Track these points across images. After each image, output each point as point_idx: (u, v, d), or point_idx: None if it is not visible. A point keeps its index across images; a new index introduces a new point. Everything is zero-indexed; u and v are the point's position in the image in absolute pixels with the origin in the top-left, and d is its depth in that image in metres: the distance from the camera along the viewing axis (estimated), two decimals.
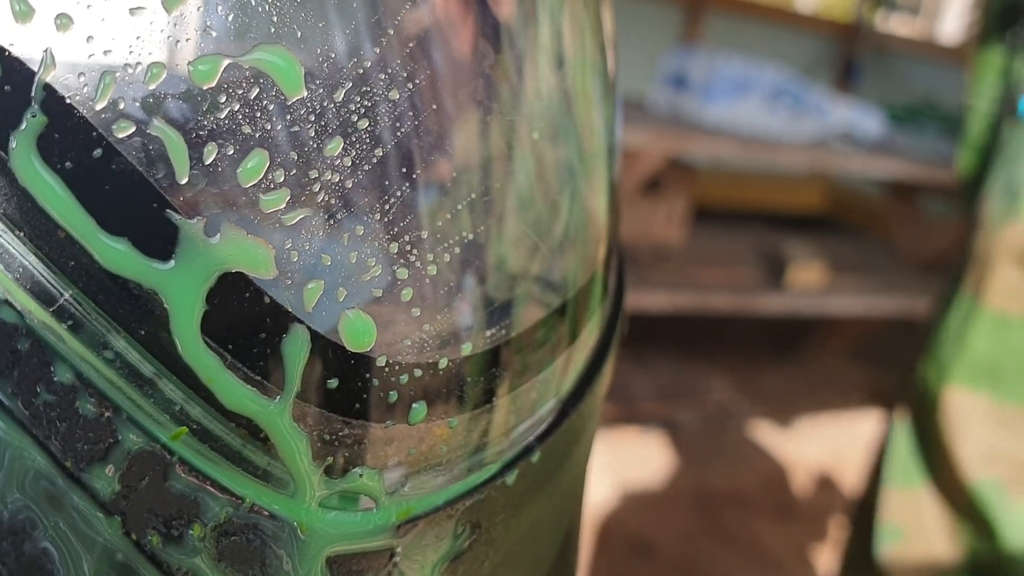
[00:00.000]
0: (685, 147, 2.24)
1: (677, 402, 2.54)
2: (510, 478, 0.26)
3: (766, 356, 3.04)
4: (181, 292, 0.19)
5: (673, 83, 2.48)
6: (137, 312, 0.19)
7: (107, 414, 0.19)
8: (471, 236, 0.24)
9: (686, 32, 3.30)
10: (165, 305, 0.19)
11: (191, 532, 0.20)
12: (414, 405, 0.23)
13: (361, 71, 0.21)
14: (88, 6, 0.18)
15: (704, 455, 2.35)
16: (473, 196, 0.24)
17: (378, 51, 0.22)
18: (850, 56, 3.61)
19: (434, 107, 0.23)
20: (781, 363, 3.01)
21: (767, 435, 2.52)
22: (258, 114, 0.20)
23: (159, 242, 0.19)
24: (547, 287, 0.27)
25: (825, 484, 2.34)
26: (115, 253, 0.19)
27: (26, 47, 0.18)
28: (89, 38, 0.19)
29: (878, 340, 3.18)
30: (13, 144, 0.18)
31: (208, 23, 0.20)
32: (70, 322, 0.19)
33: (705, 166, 2.82)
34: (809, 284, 2.49)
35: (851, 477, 2.36)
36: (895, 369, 2.93)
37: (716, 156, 2.59)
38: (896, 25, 4.50)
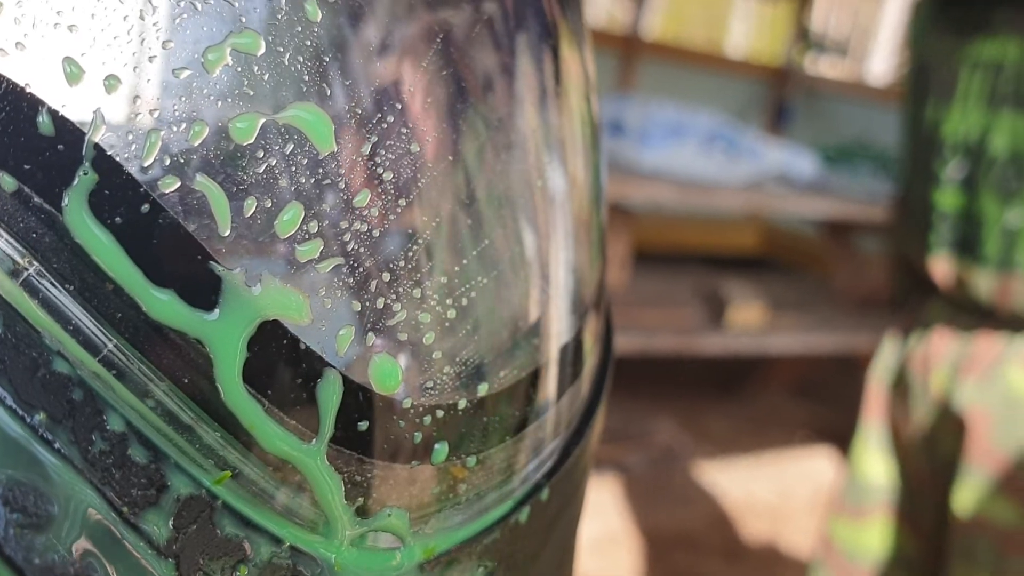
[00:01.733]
0: (624, 192, 2.27)
1: (625, 445, 2.56)
2: (523, 516, 0.27)
3: (710, 396, 3.07)
4: (224, 341, 0.20)
5: (610, 129, 2.52)
6: (181, 360, 0.20)
7: (156, 461, 0.20)
8: (484, 282, 0.25)
9: (621, 80, 3.36)
10: (209, 353, 0.20)
11: (239, 574, 0.21)
12: (436, 446, 0.24)
13: (384, 126, 0.22)
14: (135, 68, 0.19)
15: (652, 497, 2.37)
16: (486, 243, 0.25)
17: (399, 107, 0.23)
18: (781, 99, 3.71)
19: (450, 158, 0.24)
20: (725, 403, 3.05)
21: (714, 475, 2.55)
22: (293, 168, 0.21)
23: (203, 293, 0.20)
24: (551, 329, 0.28)
25: (773, 522, 2.37)
26: (162, 304, 0.20)
27: (77, 108, 0.19)
28: (136, 98, 0.19)
29: (818, 377, 3.24)
30: (66, 201, 0.19)
31: (246, 83, 0.20)
32: (115, 371, 0.20)
33: (644, 210, 2.86)
34: (749, 324, 2.53)
35: (798, 514, 2.39)
36: (836, 406, 2.99)
37: (654, 200, 2.63)
38: (825, 67, 4.63)
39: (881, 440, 1.24)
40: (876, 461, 1.23)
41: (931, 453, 1.14)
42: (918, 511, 1.18)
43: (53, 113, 0.19)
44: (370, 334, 0.22)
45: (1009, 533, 1.01)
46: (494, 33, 0.25)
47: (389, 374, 0.23)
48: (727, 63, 3.71)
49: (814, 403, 3.14)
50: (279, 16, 0.21)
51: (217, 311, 0.20)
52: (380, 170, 0.22)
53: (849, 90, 3.77)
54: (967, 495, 1.05)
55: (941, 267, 1.12)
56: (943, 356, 1.13)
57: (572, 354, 0.29)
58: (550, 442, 0.29)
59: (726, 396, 3.10)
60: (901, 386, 1.21)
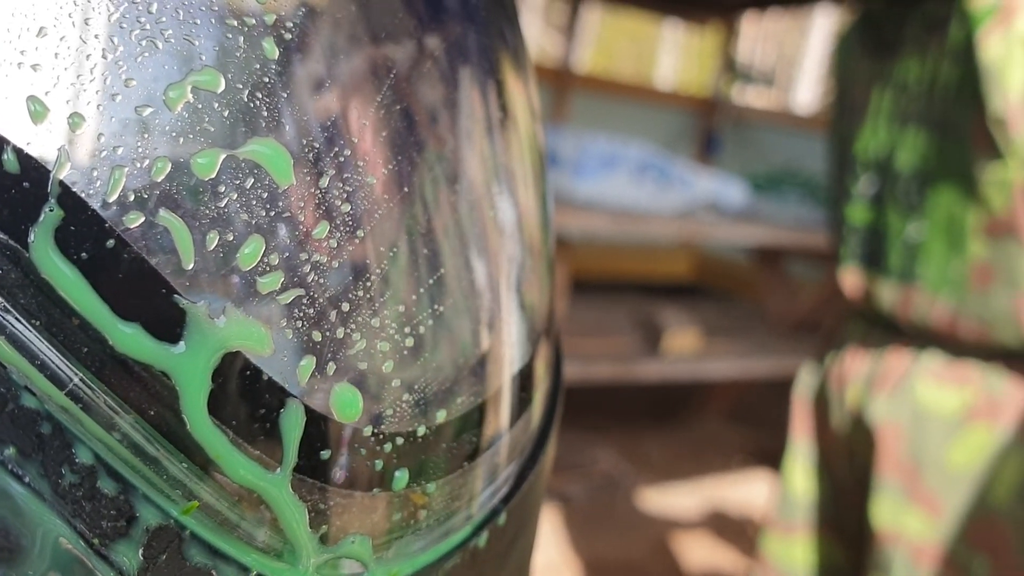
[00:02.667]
0: (560, 222, 2.29)
1: (565, 475, 2.57)
2: (481, 541, 0.27)
3: (648, 423, 3.10)
4: (190, 373, 0.20)
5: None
6: (146, 393, 0.20)
7: (125, 492, 0.20)
8: (440, 311, 0.25)
9: (554, 112, 3.40)
10: (175, 385, 0.20)
11: None
12: (396, 473, 0.25)
13: (340, 160, 0.23)
14: (98, 106, 0.20)
15: (594, 526, 2.37)
16: (441, 272, 0.25)
17: (354, 141, 0.23)
18: (710, 129, 3.77)
19: (404, 190, 0.24)
20: (663, 429, 3.07)
21: (655, 501, 2.56)
22: (253, 202, 0.21)
23: (168, 326, 0.20)
24: (505, 357, 0.29)
25: (715, 546, 2.39)
26: (128, 338, 0.20)
27: (41, 145, 0.19)
28: (99, 135, 0.20)
29: (754, 401, 3.28)
30: (32, 237, 0.19)
31: (207, 119, 0.21)
32: (81, 405, 0.20)
33: (579, 240, 2.89)
34: (685, 350, 2.56)
35: (738, 537, 2.41)
36: (772, 429, 3.03)
37: (589, 229, 2.65)
38: (752, 97, 4.72)
39: (807, 456, 1.27)
40: (804, 477, 1.26)
41: (851, 466, 1.17)
42: (844, 522, 1.21)
43: (18, 151, 0.19)
44: (330, 364, 0.23)
45: (921, 544, 1.04)
46: (444, 68, 0.26)
47: (350, 403, 0.23)
48: (656, 95, 3.77)
49: (750, 427, 3.18)
50: (238, 54, 0.21)
51: (183, 343, 0.20)
52: (337, 202, 0.23)
53: (775, 119, 3.85)
54: (881, 508, 1.08)
55: (851, 279, 1.16)
56: (857, 372, 1.16)
57: (525, 381, 0.30)
58: (505, 467, 0.29)
59: (664, 423, 3.13)
60: (821, 402, 1.24)
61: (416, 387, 0.25)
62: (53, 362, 0.20)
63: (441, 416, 0.26)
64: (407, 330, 0.24)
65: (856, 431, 1.16)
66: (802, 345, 2.67)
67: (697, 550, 2.35)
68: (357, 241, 0.23)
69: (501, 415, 0.28)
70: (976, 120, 0.95)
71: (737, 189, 2.74)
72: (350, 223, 0.23)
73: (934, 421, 1.05)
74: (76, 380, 0.20)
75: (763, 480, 2.74)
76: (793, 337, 2.83)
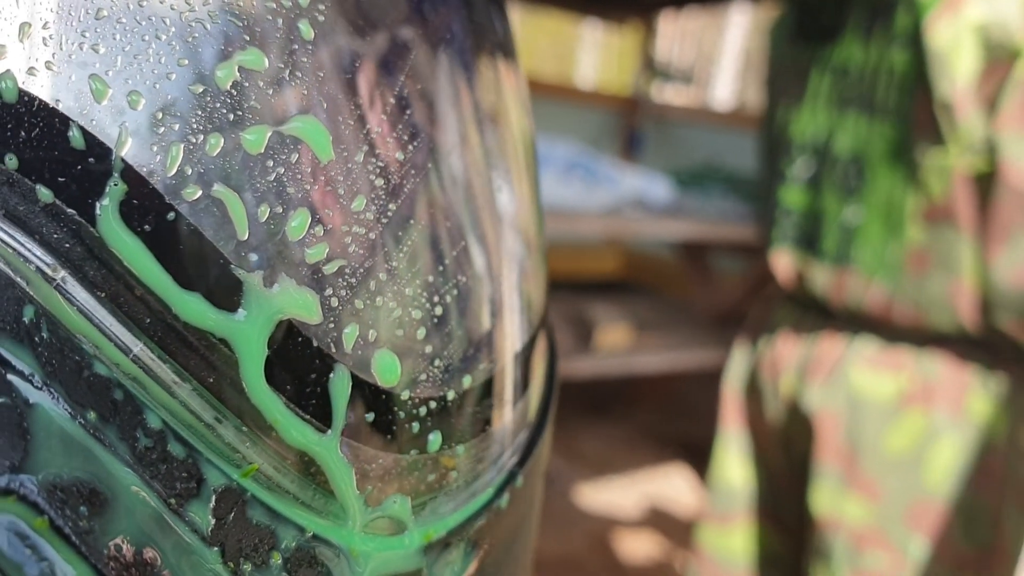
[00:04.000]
0: None
1: None
2: (503, 502, 0.29)
3: (582, 419, 3.13)
4: (248, 340, 0.21)
5: None
6: (205, 360, 0.21)
7: (192, 456, 0.21)
8: (464, 281, 0.27)
9: None
10: (234, 352, 0.21)
11: (273, 560, 0.22)
12: (430, 436, 0.26)
13: (373, 137, 0.24)
14: (155, 84, 0.20)
15: None
16: (463, 246, 0.27)
17: (385, 119, 0.24)
18: (632, 127, 3.82)
19: (432, 168, 0.26)
20: (598, 424, 3.10)
21: (592, 496, 2.59)
22: (298, 176, 0.22)
23: (226, 295, 0.21)
24: (519, 328, 0.30)
25: (652, 538, 2.42)
26: (192, 307, 0.21)
27: (104, 122, 0.20)
28: (157, 113, 0.20)
29: (685, 394, 3.34)
30: (99, 211, 0.20)
31: (253, 97, 0.22)
32: (145, 372, 0.21)
33: None
34: (616, 345, 2.59)
35: (675, 529, 2.45)
36: (703, 420, 3.08)
37: None
38: (672, 95, 4.79)
39: (740, 445, 1.28)
40: (738, 466, 1.28)
41: (788, 454, 1.19)
42: (782, 510, 1.23)
43: (82, 128, 0.20)
44: (371, 331, 0.24)
45: (860, 530, 1.06)
46: (460, 56, 0.27)
47: (390, 368, 0.24)
48: (579, 94, 3.81)
49: (682, 419, 3.23)
50: (278, 35, 0.22)
51: (242, 311, 0.21)
52: (372, 177, 0.24)
53: (696, 116, 3.91)
54: (820, 495, 1.10)
55: (783, 262, 1.17)
56: (789, 360, 1.18)
57: (531, 355, 0.31)
58: (518, 434, 0.30)
59: (598, 417, 3.16)
60: (754, 391, 1.25)
61: (445, 354, 0.26)
62: (118, 332, 0.20)
63: (467, 382, 0.27)
64: (436, 299, 0.26)
65: (791, 419, 1.17)
66: (729, 336, 2.72)
67: (634, 543, 2.38)
68: (391, 214, 0.24)
69: (515, 384, 0.30)
70: (920, 105, 0.96)
71: (662, 186, 2.78)
72: (384, 196, 0.24)
73: (869, 407, 1.07)
74: (136, 350, 0.21)
75: (696, 471, 2.79)
76: (720, 329, 2.89)
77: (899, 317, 1.04)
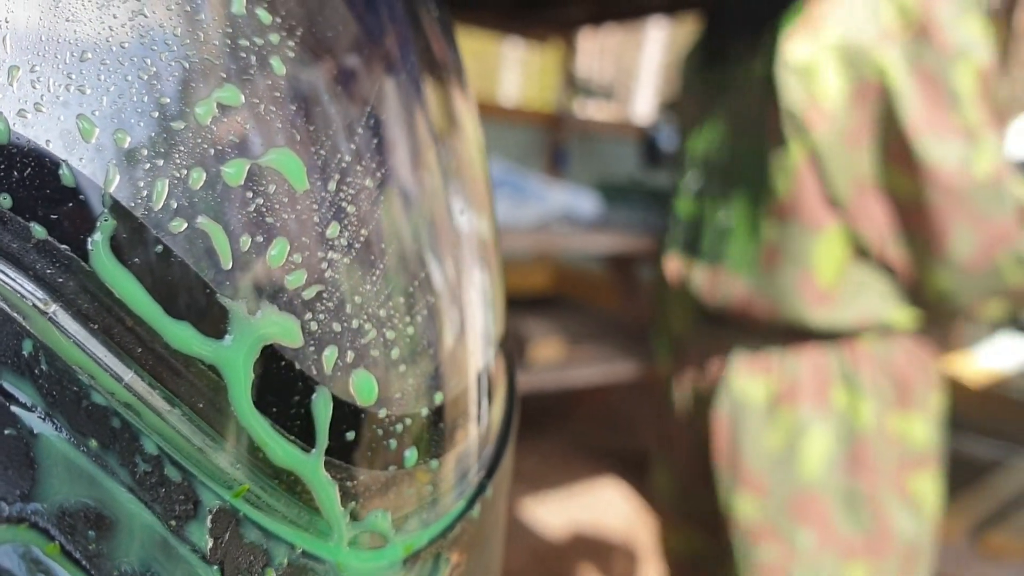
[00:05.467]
0: None
1: None
2: (475, 512, 0.30)
3: (519, 434, 3.14)
4: (236, 365, 0.22)
5: None
6: (194, 386, 0.22)
7: (187, 479, 0.22)
8: (433, 301, 0.28)
9: None
10: (223, 377, 0.22)
11: None
12: (406, 452, 0.27)
13: (343, 166, 0.25)
14: (140, 122, 0.21)
15: None
16: (433, 266, 0.28)
17: (353, 147, 0.25)
18: (557, 143, 3.85)
19: (399, 191, 0.27)
20: (534, 439, 3.12)
21: (530, 511, 2.60)
22: (276, 206, 0.23)
23: (212, 323, 0.22)
24: (484, 345, 0.31)
25: (590, 551, 2.44)
26: (181, 336, 0.21)
27: (92, 161, 0.21)
28: (142, 149, 0.21)
29: (617, 405, 3.37)
30: (91, 246, 0.21)
31: (231, 132, 0.23)
32: (139, 400, 0.21)
33: None
34: (550, 359, 2.61)
35: (613, 540, 2.47)
36: (638, 431, 3.11)
37: None
38: (594, 111, 4.84)
39: (660, 450, 1.36)
40: (660, 471, 1.36)
41: (699, 458, 1.25)
42: (702, 511, 1.28)
43: (72, 167, 0.20)
44: (349, 352, 0.25)
45: (752, 525, 1.12)
46: (419, 82, 0.29)
47: (367, 387, 0.25)
48: (503, 111, 3.83)
49: (615, 431, 3.26)
50: (251, 71, 0.23)
51: (229, 338, 0.22)
52: (344, 204, 0.25)
53: (618, 130, 3.97)
54: (721, 497, 1.17)
55: (672, 266, 1.25)
56: (686, 365, 1.26)
57: (499, 366, 0.32)
58: (486, 446, 0.32)
59: (533, 432, 3.18)
60: (668, 396, 1.33)
61: (417, 372, 0.27)
62: (111, 361, 0.21)
63: (438, 399, 0.28)
64: (407, 319, 0.27)
65: (693, 426, 1.25)
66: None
67: (575, 556, 2.40)
68: (363, 239, 0.25)
69: (481, 399, 0.31)
70: (772, 112, 1.03)
71: (588, 200, 2.81)
72: (355, 224, 0.25)
73: (748, 410, 1.14)
74: (128, 378, 0.21)
75: (630, 483, 2.82)
76: (649, 339, 2.92)
77: (757, 311, 1.11)
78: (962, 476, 2.29)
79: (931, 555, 1.13)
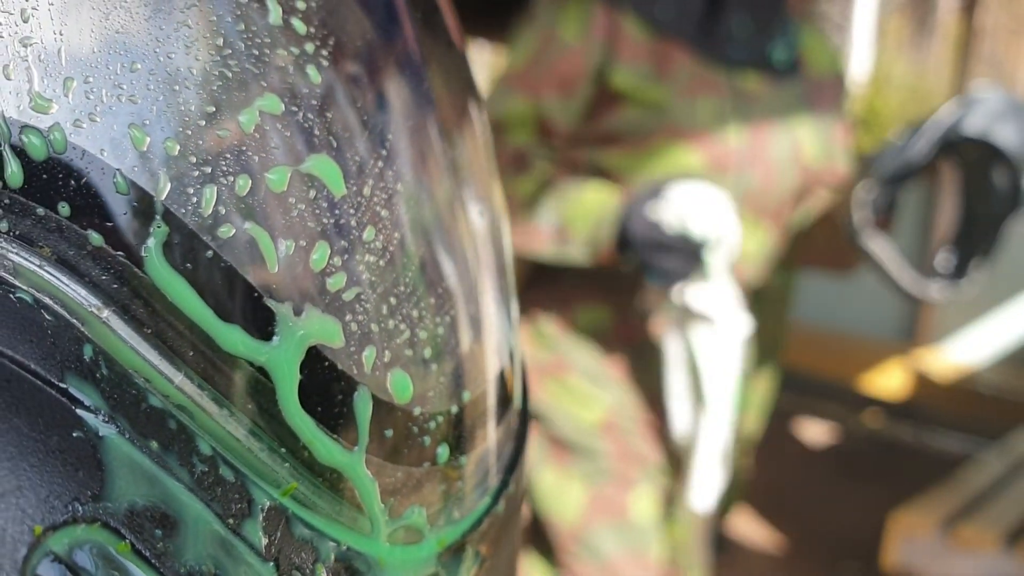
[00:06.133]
0: None
1: None
2: (500, 507, 0.30)
3: None
4: (284, 366, 0.23)
5: None
6: (244, 387, 0.22)
7: (240, 478, 0.22)
8: (460, 303, 0.28)
9: None
10: (271, 378, 0.23)
11: (318, 572, 0.23)
12: (439, 449, 0.27)
13: (378, 170, 0.26)
14: (188, 131, 0.22)
15: None
16: (461, 267, 0.29)
17: (386, 152, 0.26)
18: None
19: (434, 198, 0.27)
20: None
21: None
22: (316, 211, 0.24)
23: (260, 325, 0.23)
24: (505, 347, 0.32)
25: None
26: (233, 338, 0.22)
27: (145, 169, 0.21)
28: (191, 157, 0.22)
29: None
30: (145, 252, 0.21)
31: (274, 140, 0.23)
32: (192, 402, 0.22)
33: None
34: None
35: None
36: None
37: None
38: None
39: None
40: None
41: None
42: None
43: (125, 175, 0.21)
44: (386, 352, 0.25)
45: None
46: (448, 85, 0.29)
47: (404, 386, 0.26)
48: None
49: None
50: (289, 80, 0.24)
51: (276, 340, 0.23)
52: (379, 208, 0.26)
53: None
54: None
55: None
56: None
57: (518, 368, 0.33)
58: (507, 443, 0.32)
59: None
60: None
61: (447, 370, 0.28)
62: (164, 365, 0.22)
63: (467, 396, 0.29)
64: (437, 319, 0.27)
65: None
66: None
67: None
68: (396, 242, 0.26)
69: (503, 397, 0.32)
70: None
71: None
72: (389, 226, 0.26)
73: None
74: (178, 380, 0.22)
75: None
76: None
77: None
78: (932, 470, 2.32)
79: None
